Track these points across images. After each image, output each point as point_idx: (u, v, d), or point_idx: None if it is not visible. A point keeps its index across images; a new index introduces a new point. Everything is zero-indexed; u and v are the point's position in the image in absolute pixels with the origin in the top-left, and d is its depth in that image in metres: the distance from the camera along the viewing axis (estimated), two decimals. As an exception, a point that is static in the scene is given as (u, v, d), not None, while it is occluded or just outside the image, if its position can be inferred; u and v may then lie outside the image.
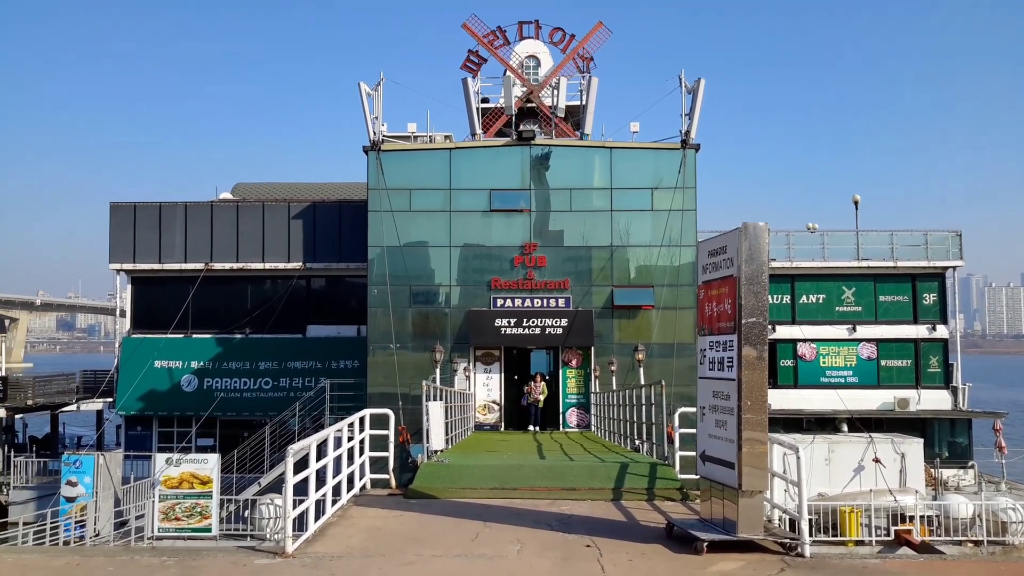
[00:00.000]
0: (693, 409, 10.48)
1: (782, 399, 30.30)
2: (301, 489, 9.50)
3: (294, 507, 9.31)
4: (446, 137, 31.63)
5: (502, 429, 25.47)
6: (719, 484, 8.81)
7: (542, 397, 24.52)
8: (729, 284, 8.59)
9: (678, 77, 26.32)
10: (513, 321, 25.78)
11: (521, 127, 27.44)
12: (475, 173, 26.60)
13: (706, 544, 8.42)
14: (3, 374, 37.60)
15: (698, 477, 9.77)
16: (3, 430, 35.11)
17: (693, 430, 10.06)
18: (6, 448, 34.33)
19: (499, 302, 26.20)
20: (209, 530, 19.27)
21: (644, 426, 16.93)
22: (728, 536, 8.52)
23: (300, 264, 30.05)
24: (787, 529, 10.37)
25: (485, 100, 30.46)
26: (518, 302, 26.15)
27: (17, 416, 35.99)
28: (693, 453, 10.11)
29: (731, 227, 8.80)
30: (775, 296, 31.77)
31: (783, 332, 32.01)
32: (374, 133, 25.97)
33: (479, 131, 28.24)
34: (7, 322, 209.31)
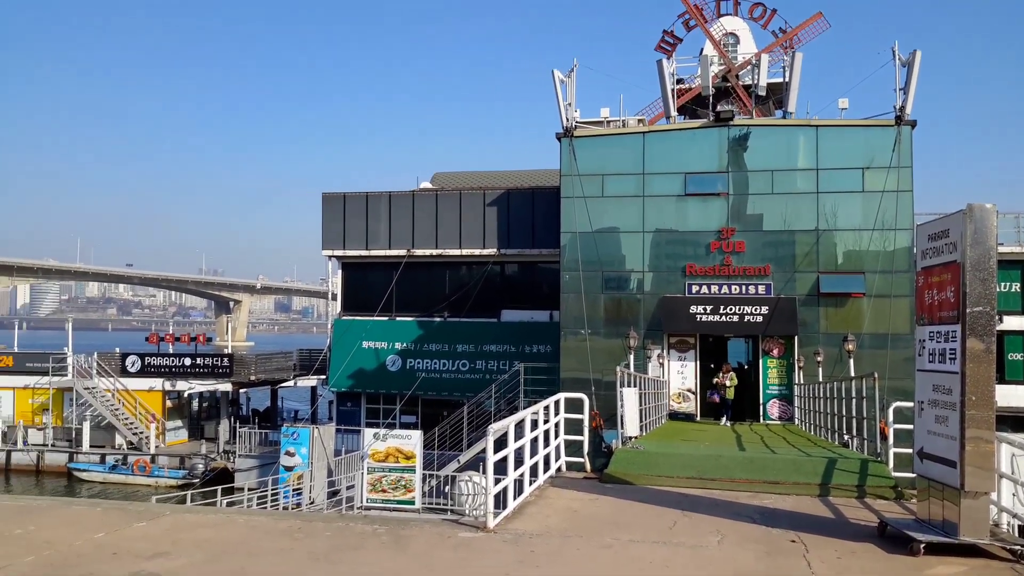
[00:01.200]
0: (909, 404, 9.79)
1: (1011, 396, 27.78)
2: (499, 468, 9.74)
3: (494, 485, 9.57)
4: (639, 121, 31.30)
5: (697, 419, 24.96)
6: (938, 483, 8.20)
7: (730, 386, 23.69)
8: (952, 270, 7.97)
9: (891, 50, 24.60)
10: (709, 308, 25.16)
11: (719, 108, 26.63)
12: (669, 156, 26.13)
13: (923, 545, 7.86)
14: (229, 352, 41.18)
15: (913, 476, 9.13)
16: (229, 403, 38.52)
17: (908, 426, 9.41)
18: (232, 419, 37.65)
19: (694, 288, 25.65)
20: (412, 503, 20.24)
21: (854, 420, 16.03)
22: (948, 539, 7.92)
23: (495, 250, 30.81)
24: (1016, 535, 9.48)
25: (680, 81, 29.82)
26: (714, 288, 25.48)
27: (241, 390, 39.35)
28: (908, 450, 9.46)
29: (951, 209, 8.18)
30: (1003, 284, 29.13)
31: (1012, 323, 29.31)
32: (567, 120, 26.10)
33: (674, 113, 27.70)
34: (232, 304, 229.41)
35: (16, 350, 43.71)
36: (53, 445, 36.18)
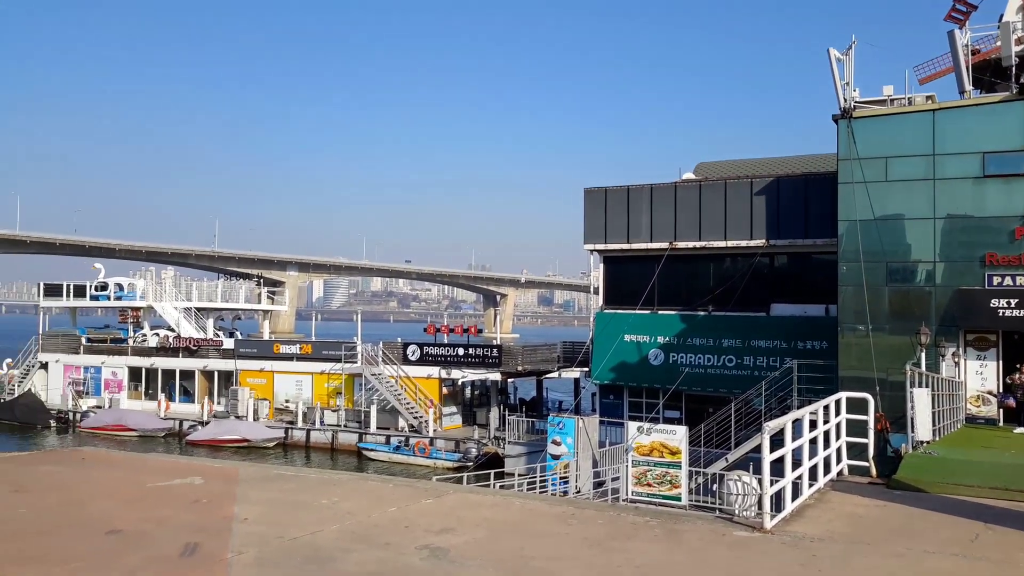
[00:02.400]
0: None
1: None
2: (774, 469, 9.32)
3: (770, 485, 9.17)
4: (927, 99, 28.62)
5: (999, 424, 22.40)
6: None
7: None
8: None
9: None
10: (1015, 302, 22.45)
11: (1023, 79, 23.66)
12: (964, 135, 23.63)
13: None
14: (498, 343, 43.06)
15: None
16: (499, 391, 40.29)
17: None
18: (501, 407, 39.33)
19: (995, 280, 23.01)
20: (678, 499, 19.93)
21: None
22: None
23: (763, 241, 29.59)
24: None
25: (975, 52, 26.87)
26: (1020, 280, 22.72)
27: (509, 380, 41.00)
28: None
29: None
30: None
31: None
32: (845, 100, 24.44)
33: (968, 87, 25.00)
34: (498, 297, 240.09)
35: (314, 339, 48.66)
36: (345, 426, 39.83)
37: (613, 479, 23.38)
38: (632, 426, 22.51)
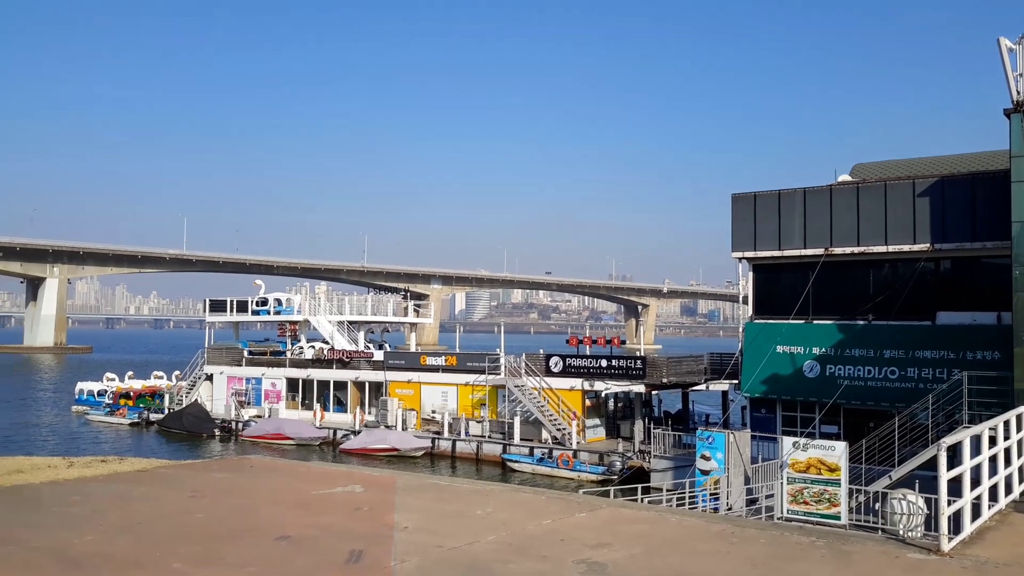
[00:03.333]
0: None
1: None
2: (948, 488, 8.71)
3: (935, 505, 8.58)
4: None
5: None
6: None
7: None
8: None
9: None
10: None
11: None
12: None
13: None
14: (642, 354, 42.48)
15: None
16: (643, 404, 39.73)
17: None
18: (646, 420, 38.75)
19: None
20: (837, 518, 18.98)
21: None
22: None
23: (927, 245, 27.85)
24: None
25: None
26: None
27: (654, 392, 40.35)
28: None
29: None
30: None
31: None
32: (1018, 92, 22.71)
33: None
34: (640, 308, 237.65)
35: (458, 351, 49.60)
36: (489, 437, 40.28)
37: (767, 496, 22.53)
38: (787, 441, 21.67)
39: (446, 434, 41.33)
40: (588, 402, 39.62)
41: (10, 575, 7.36)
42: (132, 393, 55.91)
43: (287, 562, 7.92)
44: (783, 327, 30.15)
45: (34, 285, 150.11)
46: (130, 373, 64.17)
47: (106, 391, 57.90)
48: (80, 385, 61.80)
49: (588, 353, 41.26)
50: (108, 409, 55.19)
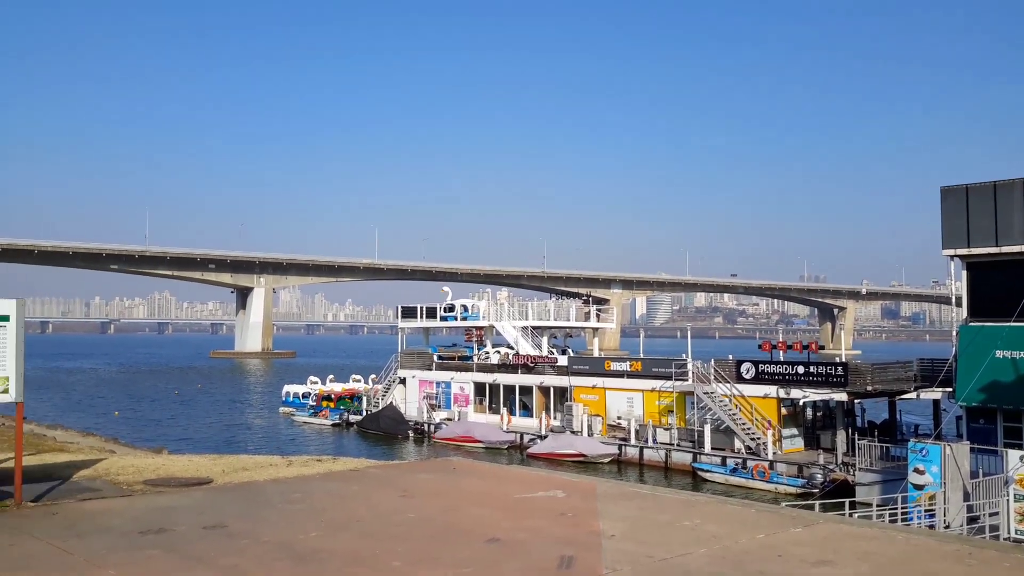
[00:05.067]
0: None
1: None
2: None
3: None
4: None
5: None
6: None
7: None
8: None
9: None
10: None
11: None
12: None
13: None
14: (843, 360, 40.21)
15: None
16: (844, 413, 37.53)
17: None
18: (849, 431, 36.59)
19: None
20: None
21: None
22: None
23: None
24: None
25: None
26: None
27: (856, 401, 38.03)
28: None
29: None
30: None
31: None
32: None
33: None
34: (836, 311, 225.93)
35: (642, 356, 48.97)
36: (678, 445, 39.42)
37: (991, 514, 20.69)
38: (1012, 455, 19.84)
39: (632, 441, 40.87)
40: (784, 411, 37.94)
41: (247, 565, 7.83)
42: (333, 395, 59.28)
43: (499, 564, 7.97)
44: (1003, 330, 27.61)
45: (243, 295, 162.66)
46: (331, 377, 68.09)
47: (309, 394, 61.68)
48: (286, 388, 66.20)
49: (782, 359, 39.53)
50: (312, 410, 58.78)
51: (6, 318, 10.28)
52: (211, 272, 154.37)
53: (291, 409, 61.76)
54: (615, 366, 45.99)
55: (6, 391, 10.21)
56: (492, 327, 54.84)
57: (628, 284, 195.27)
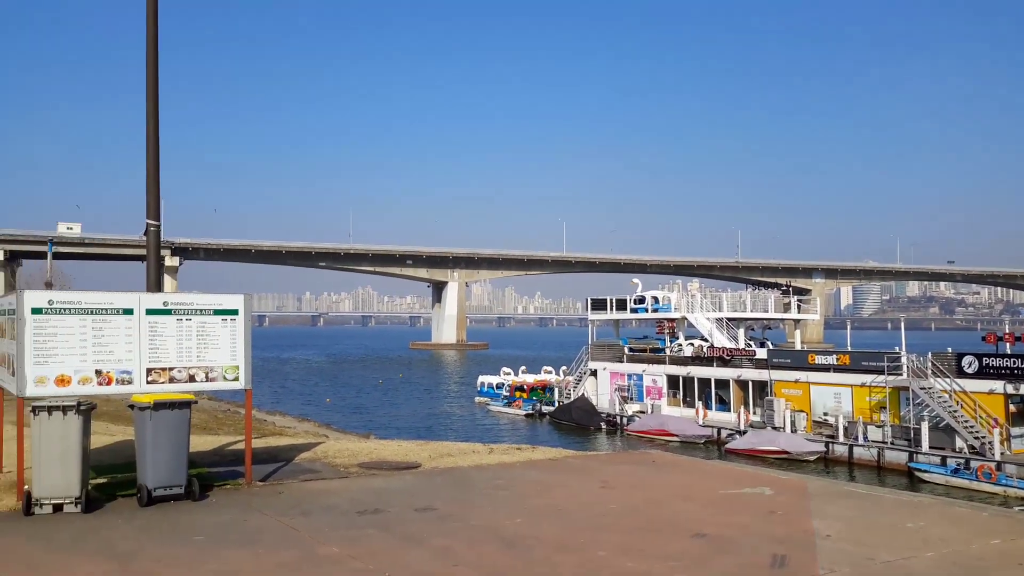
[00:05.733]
0: None
1: None
2: None
3: None
4: None
5: None
6: None
7: None
8: None
9: None
10: None
11: None
12: None
13: None
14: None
15: None
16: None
17: None
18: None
19: None
20: None
21: None
22: None
23: None
24: None
25: None
26: None
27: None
28: None
29: None
30: None
31: None
32: None
33: None
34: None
35: (850, 349, 46.26)
36: (892, 443, 36.94)
37: None
38: None
39: (841, 438, 38.75)
40: (1012, 408, 34.69)
41: (458, 547, 8.05)
42: (526, 386, 60.38)
43: (708, 560, 7.73)
44: None
45: (438, 288, 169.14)
46: (523, 368, 69.36)
47: (503, 384, 63.16)
48: (481, 378, 68.16)
49: (1009, 352, 36.13)
50: (505, 400, 60.18)
51: (235, 312, 11.14)
52: (409, 267, 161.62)
53: (486, 399, 63.51)
54: (820, 359, 43.79)
55: (236, 379, 11.06)
56: (684, 319, 53.78)
57: (831, 273, 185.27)
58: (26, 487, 9.59)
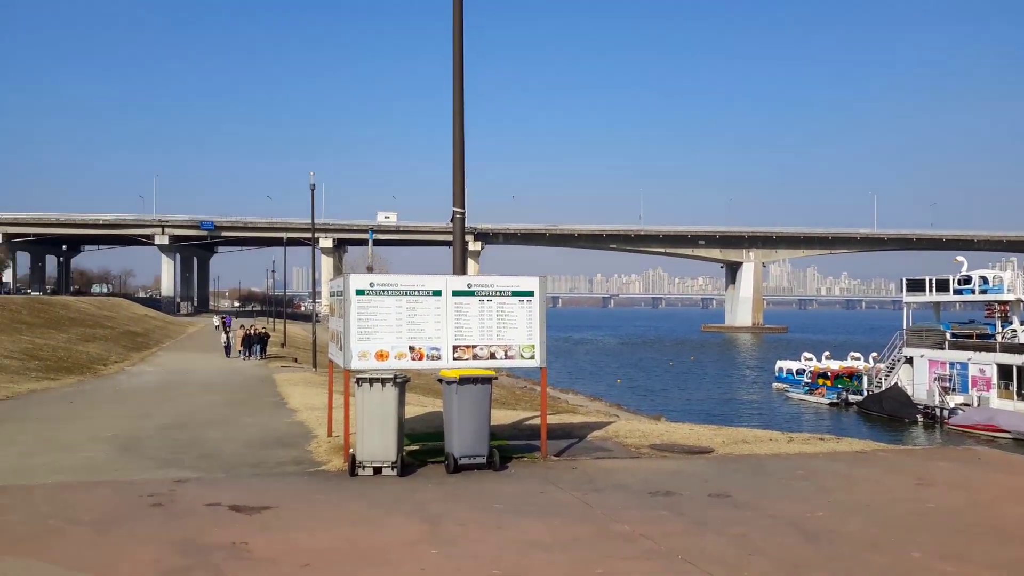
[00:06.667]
0: None
1: None
2: None
3: None
4: None
5: None
6: None
7: None
8: None
9: None
10: None
11: None
12: None
13: None
14: None
15: None
16: None
17: None
18: None
19: None
20: None
21: None
22: None
23: None
24: None
25: None
26: None
27: None
28: None
29: None
30: None
31: None
32: None
33: None
34: None
35: None
36: None
37: None
38: None
39: None
40: None
41: (756, 536, 7.73)
42: (830, 373, 56.96)
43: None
44: None
45: (732, 269, 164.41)
46: (826, 353, 65.50)
47: (804, 370, 60.08)
48: (779, 364, 65.35)
49: None
50: (807, 388, 57.18)
51: (530, 293, 11.55)
52: (700, 248, 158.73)
53: (784, 385, 60.85)
54: None
55: (532, 357, 11.48)
56: (1020, 301, 47.70)
57: None
58: (351, 450, 10.68)
